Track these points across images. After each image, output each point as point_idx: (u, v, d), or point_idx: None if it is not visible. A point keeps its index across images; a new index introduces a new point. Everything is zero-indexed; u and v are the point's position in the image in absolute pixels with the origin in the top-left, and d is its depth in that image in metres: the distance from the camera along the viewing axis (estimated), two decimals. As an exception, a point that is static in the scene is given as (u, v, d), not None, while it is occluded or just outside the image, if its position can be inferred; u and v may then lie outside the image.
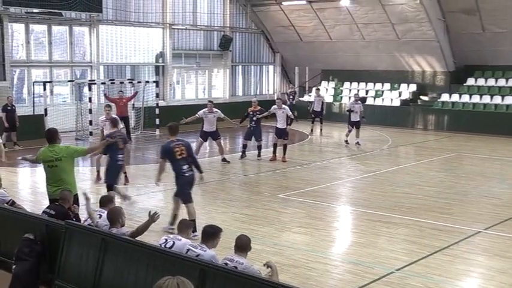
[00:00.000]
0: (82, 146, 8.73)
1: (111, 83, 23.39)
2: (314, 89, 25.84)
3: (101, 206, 8.16)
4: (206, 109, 16.96)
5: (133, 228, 7.39)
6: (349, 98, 26.60)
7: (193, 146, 17.00)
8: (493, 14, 24.15)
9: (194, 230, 9.00)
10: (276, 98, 20.08)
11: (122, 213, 7.50)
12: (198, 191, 11.87)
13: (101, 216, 7.86)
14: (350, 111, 20.83)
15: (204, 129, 16.95)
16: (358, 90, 27.60)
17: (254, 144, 17.90)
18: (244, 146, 17.80)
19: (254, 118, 17.42)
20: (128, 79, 24.47)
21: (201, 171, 10.29)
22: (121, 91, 22.05)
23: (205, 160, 16.81)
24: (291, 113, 18.23)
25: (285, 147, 17.51)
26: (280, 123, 17.52)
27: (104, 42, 24.63)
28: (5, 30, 21.31)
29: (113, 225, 7.34)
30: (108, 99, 21.77)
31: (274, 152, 17.59)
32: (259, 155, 17.68)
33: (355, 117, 20.63)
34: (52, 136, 8.74)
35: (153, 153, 19.98)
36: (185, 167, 9.96)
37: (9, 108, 19.57)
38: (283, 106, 17.80)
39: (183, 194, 10.07)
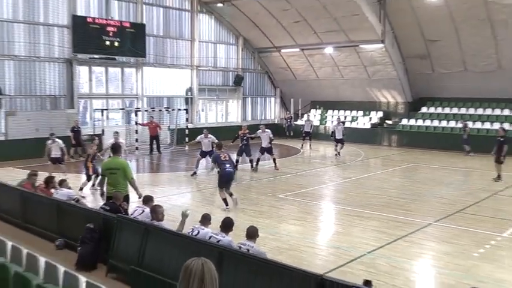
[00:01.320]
0: (131, 173, 8.89)
1: (152, 110, 23.52)
2: (305, 115, 25.86)
3: (143, 203, 8.20)
4: (203, 135, 16.46)
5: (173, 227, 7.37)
6: (332, 122, 26.67)
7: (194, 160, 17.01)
8: (440, 59, 24.18)
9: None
10: (260, 123, 19.76)
11: (162, 209, 7.54)
12: (216, 192, 11.85)
13: (143, 211, 7.89)
14: (334, 132, 21.06)
15: (202, 149, 16.40)
16: (338, 117, 27.62)
17: (246, 159, 17.47)
18: (237, 161, 16.86)
19: (245, 138, 17.13)
20: (165, 107, 24.60)
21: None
22: (151, 116, 22.21)
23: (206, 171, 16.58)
24: (272, 135, 17.62)
25: (274, 160, 17.40)
26: (265, 143, 17.26)
27: (146, 80, 24.73)
28: (74, 71, 21.58)
29: (154, 219, 7.38)
30: (141, 125, 21.84)
31: (257, 163, 17.13)
32: (252, 167, 17.21)
33: (339, 135, 20.94)
34: (116, 149, 9.10)
35: (183, 163, 20.02)
36: (227, 165, 11.33)
37: (76, 129, 19.87)
38: (266, 130, 17.49)
39: (219, 181, 11.41)
